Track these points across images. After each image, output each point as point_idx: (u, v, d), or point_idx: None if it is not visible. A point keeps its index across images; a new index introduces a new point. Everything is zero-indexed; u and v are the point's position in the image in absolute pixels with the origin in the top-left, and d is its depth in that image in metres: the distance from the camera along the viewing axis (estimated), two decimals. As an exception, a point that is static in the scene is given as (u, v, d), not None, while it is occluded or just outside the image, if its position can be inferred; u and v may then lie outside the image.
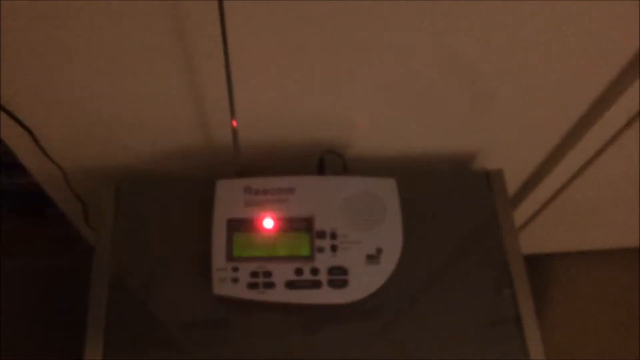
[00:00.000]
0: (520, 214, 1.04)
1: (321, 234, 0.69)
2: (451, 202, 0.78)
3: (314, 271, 0.68)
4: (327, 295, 0.68)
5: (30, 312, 1.22)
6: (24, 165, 0.77)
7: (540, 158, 0.90)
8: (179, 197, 0.76)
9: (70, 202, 0.82)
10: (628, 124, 0.79)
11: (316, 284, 0.68)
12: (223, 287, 0.68)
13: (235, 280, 0.68)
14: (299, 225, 0.70)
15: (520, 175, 0.93)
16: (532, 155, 0.90)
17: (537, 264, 1.28)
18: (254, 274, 0.68)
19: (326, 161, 0.77)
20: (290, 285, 0.68)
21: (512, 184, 0.95)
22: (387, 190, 0.72)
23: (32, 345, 1.19)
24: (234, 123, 0.67)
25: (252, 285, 0.67)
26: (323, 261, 0.68)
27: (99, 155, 0.78)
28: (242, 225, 0.69)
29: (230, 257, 0.68)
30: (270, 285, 0.67)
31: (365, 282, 0.68)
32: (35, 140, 0.69)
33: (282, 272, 0.68)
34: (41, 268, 1.21)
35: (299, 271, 0.68)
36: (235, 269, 0.68)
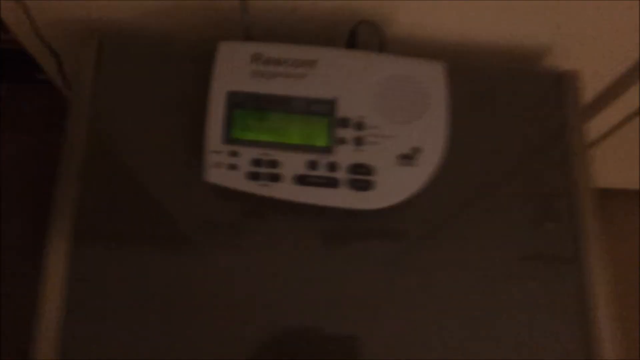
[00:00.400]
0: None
1: (344, 122, 0.55)
2: (510, 105, 0.63)
3: (331, 166, 0.54)
4: (344, 198, 0.54)
5: (17, 192, 1.13)
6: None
7: (619, 68, 0.73)
8: (173, 58, 0.62)
9: (48, 59, 0.68)
10: None
11: (332, 182, 0.54)
12: (217, 174, 0.54)
13: (232, 167, 0.54)
14: (317, 108, 0.55)
15: (597, 83, 0.76)
16: (610, 64, 0.73)
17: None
18: (256, 162, 0.54)
19: (360, 35, 0.61)
20: (301, 180, 0.54)
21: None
22: (433, 77, 0.57)
23: (23, 226, 1.11)
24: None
25: (253, 176, 0.54)
26: (344, 155, 0.54)
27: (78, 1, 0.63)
28: (245, 101, 0.55)
29: (228, 138, 0.55)
30: (275, 178, 0.54)
31: (394, 186, 0.55)
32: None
33: (292, 164, 0.54)
34: (30, 142, 1.11)
35: (312, 164, 0.54)
36: (233, 154, 0.54)
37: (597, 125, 0.85)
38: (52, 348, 0.52)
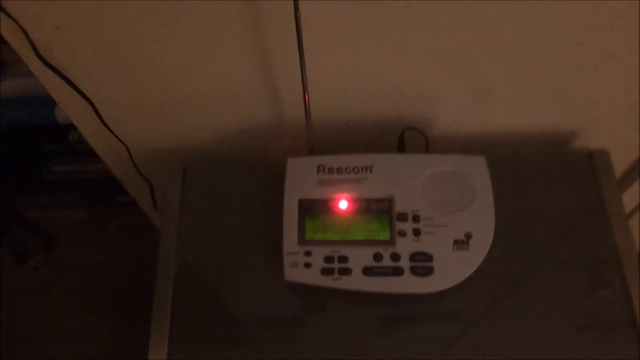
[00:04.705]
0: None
1: (402, 216, 0.62)
2: (549, 185, 0.69)
3: (395, 257, 0.61)
4: (409, 284, 0.61)
5: (102, 306, 1.22)
6: (89, 142, 0.75)
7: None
8: (248, 177, 0.71)
9: (138, 186, 0.79)
10: None
11: (397, 271, 0.61)
12: (295, 272, 0.62)
13: (307, 265, 0.62)
14: (377, 207, 0.63)
15: (625, 158, 0.82)
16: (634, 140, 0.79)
17: None
18: (329, 259, 0.62)
19: (406, 139, 0.70)
20: (368, 271, 0.61)
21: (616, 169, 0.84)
22: (476, 169, 0.64)
23: (103, 339, 1.19)
24: (307, 97, 0.61)
25: (327, 271, 0.61)
26: (405, 246, 0.61)
27: (167, 135, 0.75)
28: (314, 207, 0.64)
29: (302, 240, 0.63)
30: (346, 272, 0.61)
31: (452, 270, 0.61)
32: (95, 111, 0.66)
33: (359, 257, 0.62)
34: (113, 259, 1.21)
35: (377, 256, 0.61)
36: (307, 253, 0.62)
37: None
38: None
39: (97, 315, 1.20)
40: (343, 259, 0.62)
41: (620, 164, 0.82)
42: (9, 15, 0.56)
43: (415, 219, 0.62)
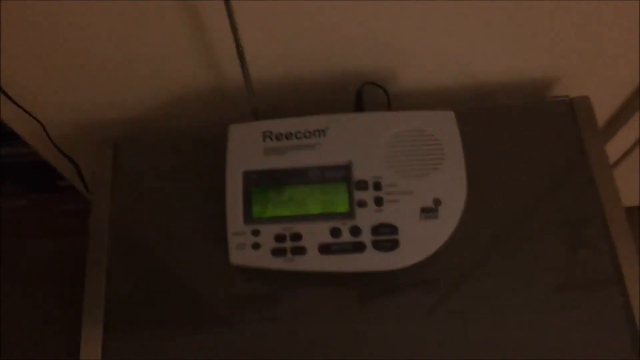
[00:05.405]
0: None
1: (362, 184, 0.55)
2: (525, 139, 0.62)
3: (355, 231, 0.54)
4: (372, 261, 0.53)
5: (54, 300, 1.14)
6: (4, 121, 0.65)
7: (630, 88, 0.72)
8: (187, 150, 0.63)
9: (67, 167, 0.70)
10: None
11: (358, 247, 0.53)
12: (242, 255, 0.54)
13: (256, 246, 0.54)
14: (333, 175, 0.55)
15: (608, 105, 0.75)
16: (621, 84, 0.72)
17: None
18: (280, 238, 0.54)
19: (365, 96, 0.62)
20: (325, 249, 0.53)
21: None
22: (444, 125, 0.57)
23: (56, 329, 1.11)
24: (242, 53, 0.53)
25: (278, 252, 0.54)
26: (366, 218, 0.54)
27: (90, 108, 0.66)
28: (261, 179, 0.56)
29: (248, 218, 0.55)
30: (300, 251, 0.54)
31: (420, 242, 0.53)
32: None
33: (315, 234, 0.54)
34: (62, 248, 1.12)
35: (335, 231, 0.54)
36: (255, 233, 0.54)
37: (616, 146, 0.84)
38: None
39: (49, 311, 1.12)
40: (296, 236, 0.54)
41: (602, 111, 0.75)
42: None
43: (377, 186, 0.55)
